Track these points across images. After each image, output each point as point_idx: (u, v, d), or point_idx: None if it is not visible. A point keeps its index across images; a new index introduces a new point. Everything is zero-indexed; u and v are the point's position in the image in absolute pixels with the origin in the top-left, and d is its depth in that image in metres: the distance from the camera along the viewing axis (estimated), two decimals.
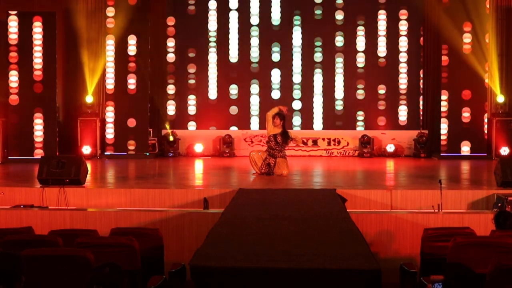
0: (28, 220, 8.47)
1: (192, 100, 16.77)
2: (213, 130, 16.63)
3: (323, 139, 16.44)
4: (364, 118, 16.62)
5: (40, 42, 15.06)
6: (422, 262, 6.41)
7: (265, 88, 16.61)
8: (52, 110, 15.14)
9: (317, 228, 6.56)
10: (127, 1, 15.80)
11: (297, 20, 16.65)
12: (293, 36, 16.62)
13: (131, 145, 15.84)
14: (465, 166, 14.29)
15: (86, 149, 15.57)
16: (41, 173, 10.30)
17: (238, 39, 16.71)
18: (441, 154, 15.62)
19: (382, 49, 16.57)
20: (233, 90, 16.70)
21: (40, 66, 15.04)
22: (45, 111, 15.04)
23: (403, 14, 16.52)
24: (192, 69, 16.75)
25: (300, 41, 16.62)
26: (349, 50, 16.60)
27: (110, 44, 15.94)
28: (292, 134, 12.04)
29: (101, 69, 16.00)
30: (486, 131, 15.68)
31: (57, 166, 10.30)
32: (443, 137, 15.72)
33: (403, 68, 16.56)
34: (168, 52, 16.76)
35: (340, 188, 9.97)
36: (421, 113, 16.53)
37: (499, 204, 9.23)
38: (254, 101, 16.65)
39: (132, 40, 15.87)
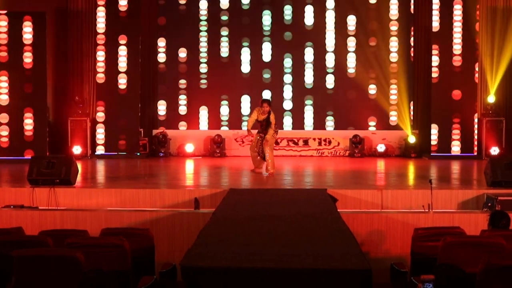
0: (18, 221, 8.44)
1: (183, 100, 16.74)
2: (204, 130, 16.61)
3: (314, 139, 16.46)
4: (355, 118, 16.63)
5: (30, 41, 15.00)
6: (412, 262, 6.43)
7: (256, 88, 16.59)
8: (42, 110, 15.08)
9: (308, 228, 6.57)
10: (118, 1, 15.77)
11: (287, 20, 16.65)
12: (284, 36, 16.62)
13: (122, 145, 15.81)
14: (455, 166, 14.34)
15: (77, 149, 15.52)
16: (31, 173, 10.26)
17: (229, 39, 16.70)
18: (431, 154, 15.66)
19: (373, 50, 16.59)
20: (224, 90, 16.68)
21: (30, 66, 14.98)
22: (35, 111, 14.98)
23: (394, 15, 16.54)
24: (183, 69, 16.72)
25: (291, 41, 16.62)
26: (340, 50, 16.60)
27: (100, 44, 15.89)
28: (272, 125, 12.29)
29: (94, 69, 16.01)
30: (476, 131, 15.74)
31: (47, 166, 10.27)
32: (433, 137, 15.77)
33: (393, 68, 16.59)
34: (159, 52, 16.73)
35: (331, 188, 9.99)
36: (412, 113, 16.56)
37: (489, 204, 9.27)
38: (245, 101, 16.64)
39: (122, 40, 15.83)
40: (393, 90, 16.60)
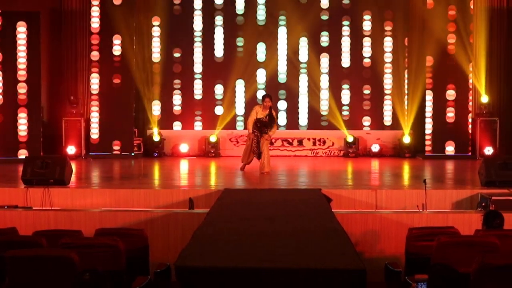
0: (12, 221, 8.40)
1: (177, 100, 16.73)
2: (198, 130, 16.60)
3: (309, 139, 16.48)
4: (349, 118, 16.63)
5: (24, 41, 14.96)
6: (406, 262, 6.43)
7: (251, 88, 16.59)
8: (36, 110, 15.04)
9: (302, 228, 6.57)
10: (112, 1, 15.76)
11: (282, 20, 16.64)
12: (279, 36, 16.62)
13: (116, 145, 15.79)
14: (449, 166, 14.38)
15: (71, 149, 15.49)
16: (25, 173, 10.24)
17: (224, 38, 16.69)
18: (426, 154, 15.69)
19: (367, 49, 16.61)
20: (219, 90, 16.68)
21: (24, 66, 14.94)
22: (29, 111, 14.94)
23: (388, 14, 16.57)
24: (177, 69, 16.71)
25: (286, 41, 16.63)
26: (335, 50, 16.62)
27: (95, 44, 15.87)
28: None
29: (86, 69, 15.98)
30: (470, 131, 15.78)
31: (42, 166, 10.24)
32: (427, 137, 15.80)
33: (388, 68, 16.61)
34: (153, 52, 16.71)
35: (325, 188, 10.00)
36: (406, 113, 16.58)
37: (483, 204, 9.29)
38: (240, 101, 16.64)
39: (117, 40, 15.82)
40: (388, 90, 16.62)
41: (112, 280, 5.12)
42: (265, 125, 12.26)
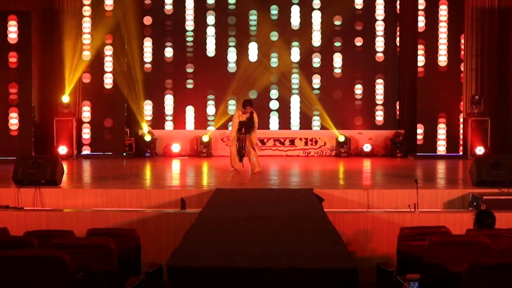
0: (3, 221, 8.36)
1: (169, 100, 16.71)
2: (190, 130, 16.59)
3: (300, 139, 16.49)
4: (341, 118, 16.65)
5: (15, 41, 14.92)
6: (398, 261, 6.45)
7: (243, 88, 16.59)
8: (27, 110, 15.00)
9: (294, 228, 6.58)
10: (104, 1, 15.72)
11: (274, 20, 16.65)
12: (270, 35, 16.63)
13: (108, 145, 15.74)
14: (441, 166, 14.40)
15: (62, 149, 15.45)
16: (16, 174, 10.20)
17: (215, 38, 16.69)
18: (417, 153, 15.73)
19: (359, 49, 16.63)
20: (211, 90, 16.67)
21: (15, 66, 14.90)
22: (20, 111, 14.90)
23: (380, 14, 16.60)
24: (169, 68, 16.69)
25: (277, 41, 16.63)
26: (326, 50, 16.65)
27: (86, 44, 15.84)
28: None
29: (78, 69, 15.92)
30: (461, 131, 15.82)
31: (33, 166, 10.21)
32: (419, 137, 15.83)
33: (379, 68, 16.64)
34: (145, 52, 16.69)
35: (317, 188, 10.01)
36: (398, 113, 16.63)
37: (474, 203, 9.33)
38: (232, 101, 16.63)
39: (108, 40, 15.79)
40: (379, 90, 16.66)
41: (105, 280, 5.12)
42: (247, 126, 12.23)
